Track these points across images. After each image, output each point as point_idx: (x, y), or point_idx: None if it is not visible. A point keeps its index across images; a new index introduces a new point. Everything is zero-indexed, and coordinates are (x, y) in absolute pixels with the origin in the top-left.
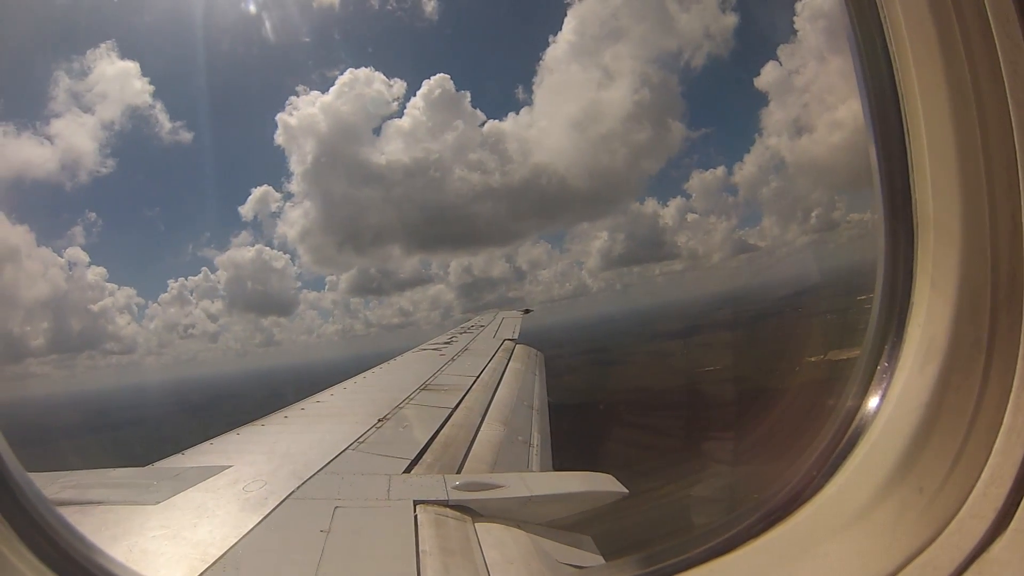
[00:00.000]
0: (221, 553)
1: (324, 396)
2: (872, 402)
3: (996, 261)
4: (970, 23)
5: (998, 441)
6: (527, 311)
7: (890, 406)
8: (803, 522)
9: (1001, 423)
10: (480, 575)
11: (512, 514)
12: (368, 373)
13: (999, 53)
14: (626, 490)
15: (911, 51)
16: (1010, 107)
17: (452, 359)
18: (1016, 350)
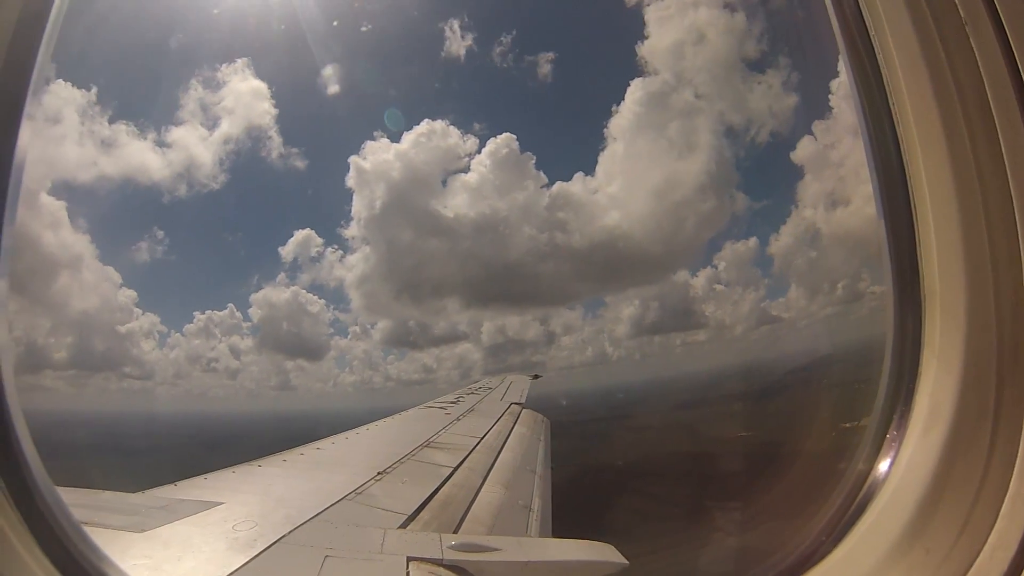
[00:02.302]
0: None
1: (325, 444)
2: (881, 467)
3: (1000, 333)
4: (972, 107)
5: (1004, 507)
6: (536, 376)
7: (899, 472)
8: None
9: (1007, 489)
10: None
11: None
12: (372, 425)
13: (999, 133)
14: (626, 561)
15: (918, 136)
16: (1011, 186)
17: (458, 419)
18: (1021, 419)
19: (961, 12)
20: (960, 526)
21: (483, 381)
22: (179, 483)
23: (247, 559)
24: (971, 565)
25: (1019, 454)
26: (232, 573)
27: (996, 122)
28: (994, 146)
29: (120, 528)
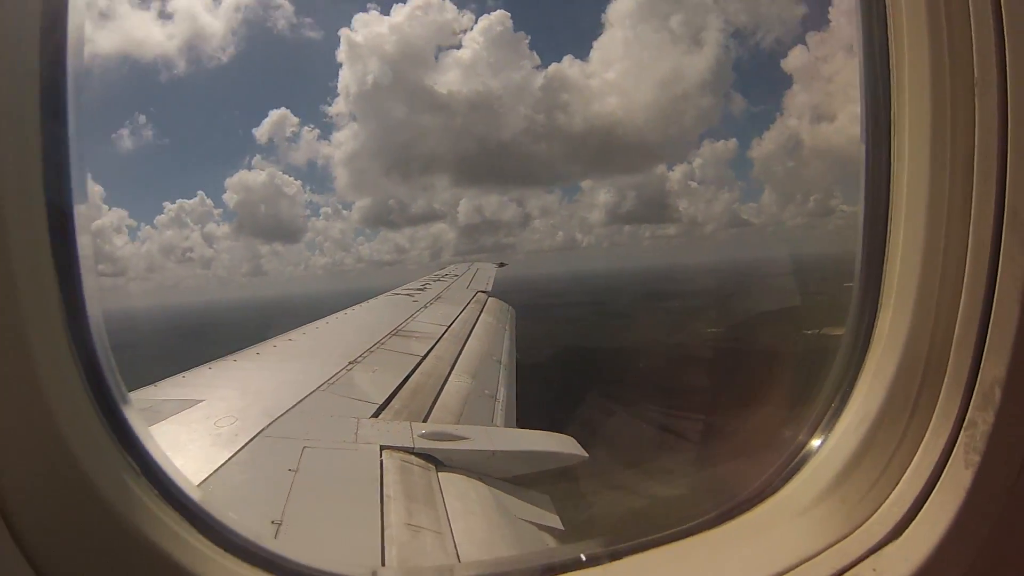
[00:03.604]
0: None
1: (296, 335)
2: (820, 433)
3: (933, 339)
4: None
5: (906, 474)
6: (502, 264)
7: (835, 437)
8: (758, 516)
9: (911, 461)
10: (441, 523)
11: (475, 467)
12: (341, 314)
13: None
14: (586, 454)
15: (908, 62)
16: (975, 140)
17: (425, 306)
18: (929, 419)
19: None
20: (872, 484)
21: (449, 268)
22: (159, 383)
23: (232, 453)
24: (874, 512)
25: (924, 440)
26: (219, 467)
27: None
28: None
29: None
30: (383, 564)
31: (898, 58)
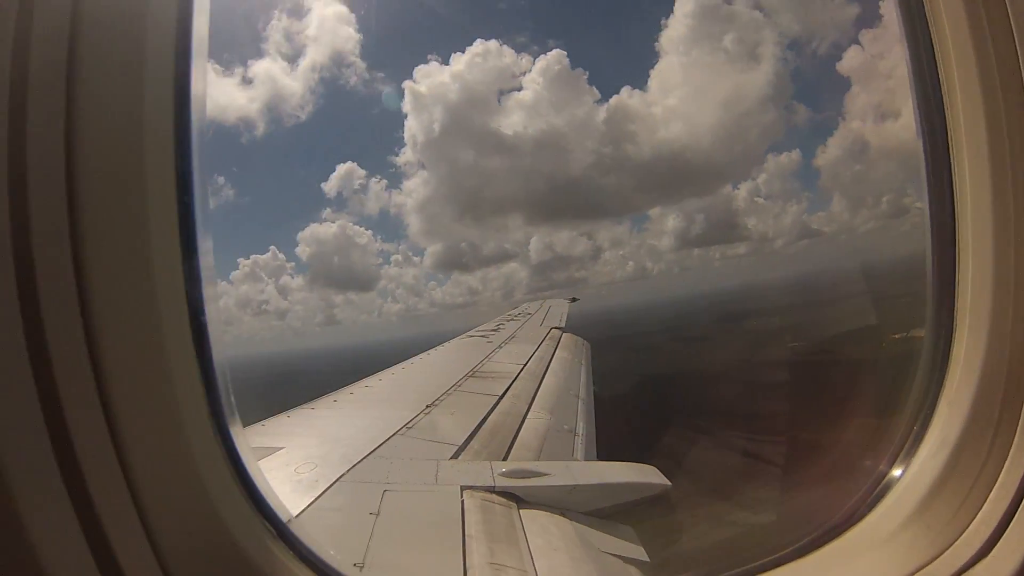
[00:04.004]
0: None
1: (373, 381)
2: (902, 460)
3: (1012, 357)
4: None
5: (992, 494)
6: (574, 299)
7: (917, 462)
8: (844, 545)
9: (996, 482)
10: (524, 561)
11: (556, 502)
12: (416, 359)
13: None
14: (668, 483)
15: (955, 59)
16: None
17: (500, 346)
18: (1012, 437)
19: None
20: (959, 505)
21: (522, 307)
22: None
23: (313, 499)
24: (962, 532)
25: (1009, 456)
26: (300, 513)
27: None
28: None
29: None
30: None
31: (945, 63)
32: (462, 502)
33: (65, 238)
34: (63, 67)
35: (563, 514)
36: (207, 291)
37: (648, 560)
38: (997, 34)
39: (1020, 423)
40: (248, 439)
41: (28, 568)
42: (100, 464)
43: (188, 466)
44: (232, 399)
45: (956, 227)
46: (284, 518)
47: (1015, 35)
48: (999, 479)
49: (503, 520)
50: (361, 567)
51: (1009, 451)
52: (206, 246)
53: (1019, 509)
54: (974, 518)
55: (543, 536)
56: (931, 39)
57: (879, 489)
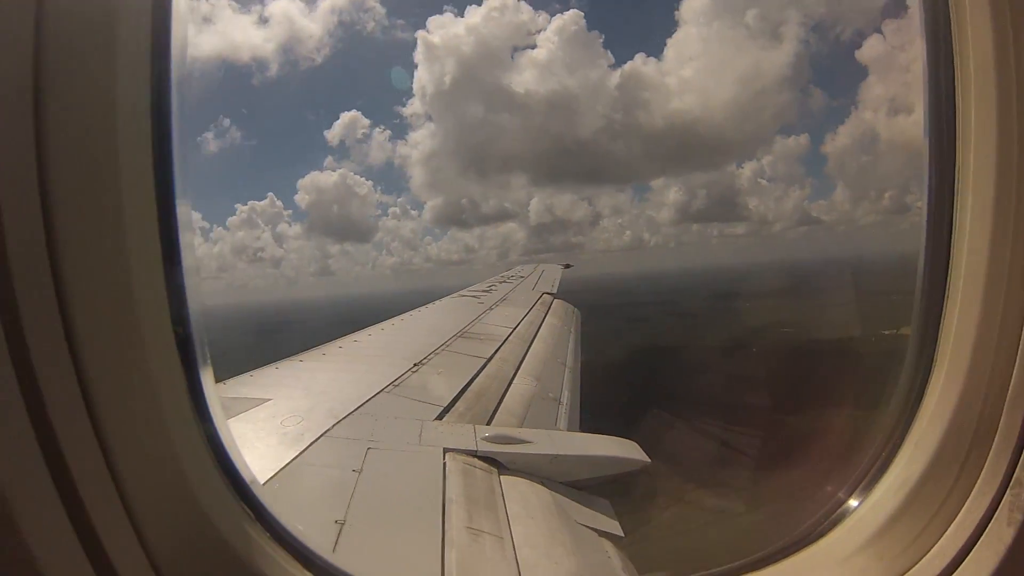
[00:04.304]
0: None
1: (362, 336)
2: (863, 488)
3: (986, 399)
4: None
5: (949, 530)
6: (567, 266)
7: (879, 491)
8: (796, 564)
9: (953, 520)
10: (502, 527)
11: (537, 470)
12: (406, 315)
13: None
14: (648, 459)
15: (973, 54)
16: None
17: (490, 308)
18: (976, 477)
19: None
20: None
21: (515, 269)
22: (227, 381)
23: (297, 453)
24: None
25: (980, 477)
26: (285, 466)
27: None
28: None
29: None
30: (443, 567)
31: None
32: (444, 464)
33: (38, 221)
34: (29, 65)
35: (542, 483)
36: (189, 282)
37: (623, 536)
38: (1020, 41)
39: (987, 462)
40: (235, 388)
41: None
42: (84, 455)
43: (168, 449)
44: (216, 392)
45: (949, 269)
46: (261, 499)
47: None
48: (959, 516)
49: (483, 485)
50: (342, 523)
51: (972, 489)
52: (186, 218)
53: (974, 547)
54: (929, 551)
55: (521, 503)
56: (951, 39)
57: (836, 514)
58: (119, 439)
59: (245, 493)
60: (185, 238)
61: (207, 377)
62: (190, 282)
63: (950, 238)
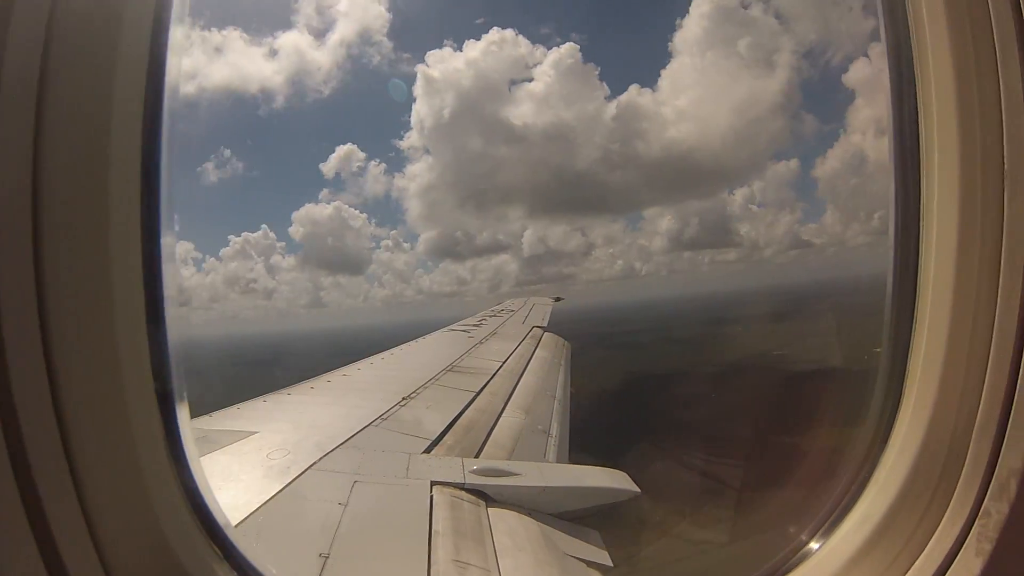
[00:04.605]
0: (243, 517)
1: (351, 369)
2: (829, 526)
3: (955, 430)
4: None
5: (918, 562)
6: (558, 299)
7: (847, 524)
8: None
9: (922, 552)
10: (489, 560)
11: (526, 502)
12: (396, 350)
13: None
14: (638, 489)
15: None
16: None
17: (480, 342)
18: (946, 507)
19: None
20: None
21: (506, 303)
22: (214, 414)
23: (283, 486)
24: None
25: (946, 515)
26: (270, 499)
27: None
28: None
29: None
30: None
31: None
32: (431, 497)
33: (27, 225)
34: (35, 73)
35: (531, 515)
36: (167, 297)
37: (612, 565)
38: (981, 57)
39: (956, 492)
40: (222, 421)
41: None
42: (51, 469)
43: (136, 476)
44: (188, 416)
45: (916, 302)
46: (233, 539)
47: (998, 67)
48: (928, 546)
49: (471, 518)
50: (326, 557)
51: (942, 519)
52: (169, 242)
53: None
54: None
55: (510, 536)
56: (912, 57)
57: (803, 551)
58: (92, 480)
59: (215, 533)
60: (169, 290)
61: (183, 416)
62: (169, 312)
63: (916, 274)
